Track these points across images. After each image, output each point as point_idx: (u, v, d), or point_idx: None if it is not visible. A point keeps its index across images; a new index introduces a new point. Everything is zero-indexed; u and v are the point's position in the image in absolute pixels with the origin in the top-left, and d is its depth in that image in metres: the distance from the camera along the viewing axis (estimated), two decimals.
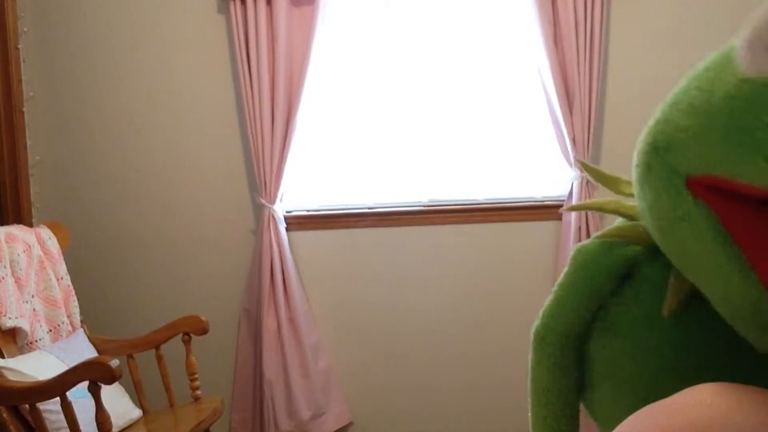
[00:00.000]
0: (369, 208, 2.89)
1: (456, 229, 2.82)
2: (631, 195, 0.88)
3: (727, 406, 0.72)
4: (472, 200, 2.84)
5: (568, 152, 2.66)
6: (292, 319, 2.78)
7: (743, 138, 0.65)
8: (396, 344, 2.87)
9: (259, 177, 2.77)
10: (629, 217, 0.91)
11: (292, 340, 2.78)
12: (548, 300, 0.98)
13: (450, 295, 2.83)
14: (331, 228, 2.88)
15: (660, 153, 0.74)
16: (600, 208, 0.97)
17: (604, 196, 2.70)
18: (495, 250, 2.81)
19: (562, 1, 2.61)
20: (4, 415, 1.97)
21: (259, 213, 2.83)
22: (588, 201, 1.01)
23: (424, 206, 2.86)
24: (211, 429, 2.34)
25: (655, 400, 0.74)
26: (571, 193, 2.69)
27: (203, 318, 2.45)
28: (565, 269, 0.96)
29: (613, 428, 0.79)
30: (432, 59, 2.83)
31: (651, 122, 0.78)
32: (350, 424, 2.90)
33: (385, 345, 2.88)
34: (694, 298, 0.81)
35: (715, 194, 0.69)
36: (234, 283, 2.90)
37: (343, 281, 2.88)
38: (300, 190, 2.91)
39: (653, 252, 0.84)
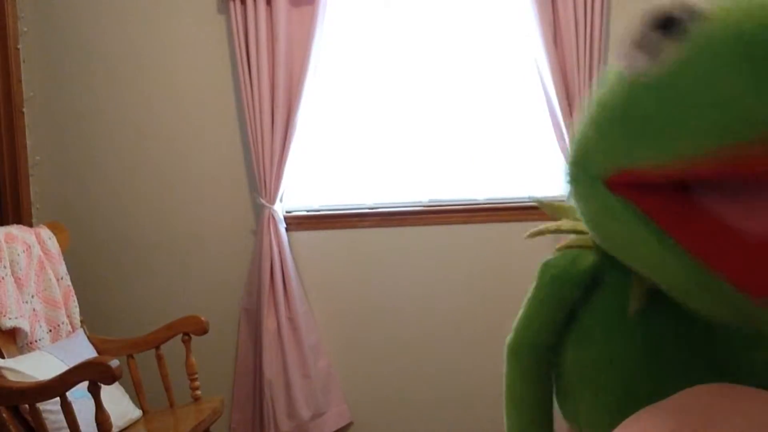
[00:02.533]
0: (369, 208, 2.88)
1: (456, 229, 2.82)
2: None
3: (720, 407, 0.72)
4: (473, 200, 2.84)
5: (568, 152, 2.66)
6: (291, 319, 2.78)
7: (631, 128, 0.74)
8: (396, 344, 2.87)
9: (259, 177, 2.76)
10: (584, 233, 0.97)
11: (292, 340, 2.78)
12: (519, 314, 1.02)
13: (450, 294, 2.83)
14: (332, 228, 2.88)
15: (579, 166, 0.84)
16: (557, 230, 1.04)
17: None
18: (495, 250, 2.81)
19: (562, 1, 2.60)
20: (4, 415, 1.97)
21: (259, 213, 2.83)
22: (547, 225, 1.07)
23: (424, 206, 2.86)
24: (211, 429, 2.34)
25: (632, 400, 0.80)
26: None
27: (203, 318, 2.45)
28: (533, 284, 1.02)
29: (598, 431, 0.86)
30: (432, 59, 2.83)
31: (569, 145, 0.85)
32: (350, 424, 2.90)
33: (386, 345, 2.88)
34: (658, 296, 0.85)
35: (630, 189, 0.76)
36: (234, 283, 2.90)
37: (343, 281, 2.88)
38: (300, 190, 2.91)
39: (613, 259, 0.88)
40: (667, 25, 0.72)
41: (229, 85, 2.86)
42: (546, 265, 0.99)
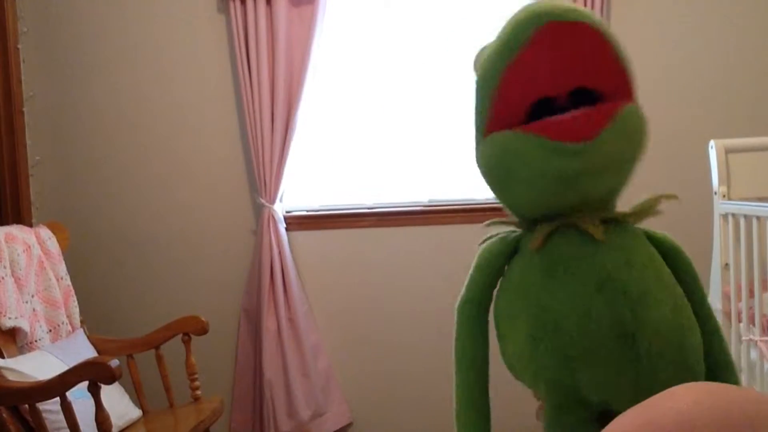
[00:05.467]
0: (369, 208, 2.89)
1: (456, 229, 2.81)
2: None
3: (711, 404, 0.73)
4: (472, 200, 2.84)
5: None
6: (291, 320, 2.78)
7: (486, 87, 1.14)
8: (396, 344, 2.87)
9: (259, 177, 2.77)
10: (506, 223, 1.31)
11: (292, 341, 2.78)
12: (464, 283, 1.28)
13: (450, 295, 2.81)
14: (331, 228, 2.88)
15: (478, 130, 1.20)
16: (494, 222, 1.34)
17: None
18: None
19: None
20: (4, 415, 1.97)
21: (259, 213, 2.83)
22: (491, 221, 1.37)
23: (424, 206, 2.86)
24: (211, 429, 2.34)
25: (538, 319, 1.09)
26: None
27: (203, 318, 2.44)
28: (473, 263, 1.27)
29: (524, 365, 1.13)
30: (432, 59, 2.82)
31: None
32: (350, 424, 2.90)
33: (386, 345, 2.88)
34: (555, 241, 1.14)
35: (504, 124, 1.12)
36: (234, 283, 2.90)
37: (343, 281, 2.88)
38: (300, 189, 2.91)
39: (526, 233, 1.21)
40: None
41: (229, 84, 2.86)
42: (482, 249, 1.28)
